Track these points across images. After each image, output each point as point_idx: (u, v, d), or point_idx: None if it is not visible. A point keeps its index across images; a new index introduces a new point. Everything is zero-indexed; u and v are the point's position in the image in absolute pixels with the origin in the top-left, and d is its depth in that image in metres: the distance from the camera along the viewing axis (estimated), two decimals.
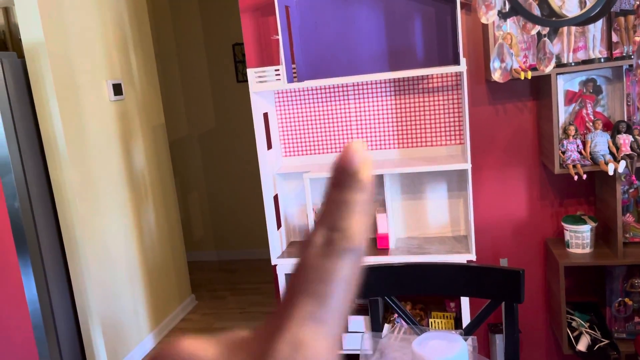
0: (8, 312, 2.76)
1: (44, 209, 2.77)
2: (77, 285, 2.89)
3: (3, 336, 2.80)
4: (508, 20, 2.27)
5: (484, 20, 0.74)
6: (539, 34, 2.18)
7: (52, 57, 2.70)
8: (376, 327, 1.65)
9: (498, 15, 0.74)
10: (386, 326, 2.55)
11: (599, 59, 2.17)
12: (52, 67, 2.69)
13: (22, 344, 2.76)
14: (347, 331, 2.54)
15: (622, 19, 2.13)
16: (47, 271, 2.76)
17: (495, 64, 0.78)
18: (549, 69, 0.86)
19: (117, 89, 3.23)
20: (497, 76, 0.77)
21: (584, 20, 0.82)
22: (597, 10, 0.81)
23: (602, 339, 2.33)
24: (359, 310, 2.63)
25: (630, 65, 2.22)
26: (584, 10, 0.80)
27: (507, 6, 0.80)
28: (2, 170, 2.58)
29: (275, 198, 2.61)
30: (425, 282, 1.60)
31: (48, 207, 2.81)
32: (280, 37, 2.29)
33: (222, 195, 4.93)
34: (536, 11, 0.86)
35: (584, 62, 2.21)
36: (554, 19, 0.86)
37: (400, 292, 1.61)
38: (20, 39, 2.79)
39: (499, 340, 2.58)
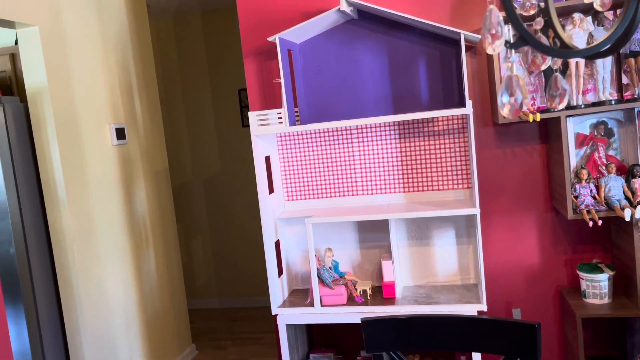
0: None
1: (41, 256, 2.70)
2: (71, 334, 2.78)
3: None
4: (514, 62, 2.23)
5: (489, 51, 0.68)
6: (546, 71, 2.13)
7: (55, 102, 2.68)
8: None
9: (505, 45, 0.68)
10: None
11: (610, 101, 2.11)
12: (54, 111, 2.67)
13: None
14: None
15: (632, 60, 2.08)
16: (41, 320, 2.66)
17: (503, 99, 0.72)
18: (561, 105, 0.79)
19: (121, 133, 3.21)
20: (505, 112, 0.70)
21: (597, 54, 0.76)
22: (610, 44, 0.74)
23: None
24: None
25: None
26: (596, 43, 0.73)
27: (511, 35, 0.74)
28: None
29: (277, 244, 2.52)
30: (433, 336, 1.49)
31: (45, 254, 2.73)
32: (282, 80, 2.26)
33: (226, 241, 4.84)
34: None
35: (594, 104, 2.15)
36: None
37: (407, 347, 1.50)
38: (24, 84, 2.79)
39: None
